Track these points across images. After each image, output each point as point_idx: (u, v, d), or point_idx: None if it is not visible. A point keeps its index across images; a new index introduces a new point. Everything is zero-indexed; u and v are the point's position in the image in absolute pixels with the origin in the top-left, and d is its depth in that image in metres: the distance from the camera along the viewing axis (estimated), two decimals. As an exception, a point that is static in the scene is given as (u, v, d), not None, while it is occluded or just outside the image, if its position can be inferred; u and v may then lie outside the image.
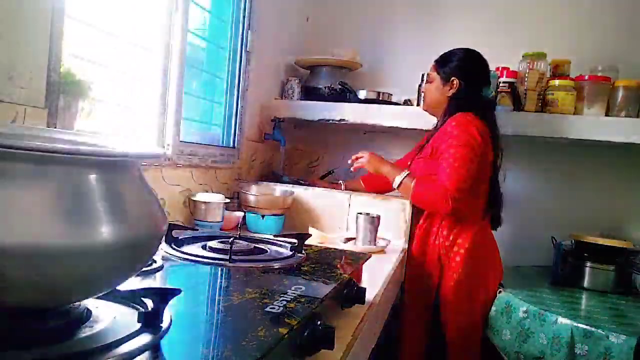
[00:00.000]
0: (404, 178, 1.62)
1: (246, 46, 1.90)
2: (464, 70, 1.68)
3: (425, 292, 1.68)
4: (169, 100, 1.46)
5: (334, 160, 2.38)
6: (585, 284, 1.77)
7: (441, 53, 1.77)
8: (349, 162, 1.78)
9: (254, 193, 1.66)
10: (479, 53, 1.71)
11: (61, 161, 0.45)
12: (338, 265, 1.01)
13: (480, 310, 1.64)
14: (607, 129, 1.86)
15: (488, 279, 1.66)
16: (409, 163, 1.79)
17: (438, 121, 1.76)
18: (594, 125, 1.88)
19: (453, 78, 1.68)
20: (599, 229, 2.06)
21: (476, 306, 1.63)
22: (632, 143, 1.84)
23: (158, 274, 0.79)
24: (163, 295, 0.54)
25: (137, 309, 0.56)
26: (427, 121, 1.98)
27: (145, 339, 0.49)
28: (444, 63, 1.71)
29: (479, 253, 1.63)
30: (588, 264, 1.77)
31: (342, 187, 1.96)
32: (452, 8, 2.36)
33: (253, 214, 1.64)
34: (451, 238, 1.63)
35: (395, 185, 1.64)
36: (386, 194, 1.85)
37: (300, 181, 2.00)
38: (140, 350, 0.47)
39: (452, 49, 1.74)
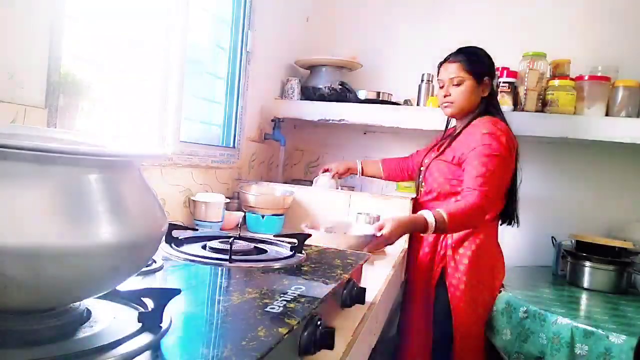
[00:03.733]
0: (434, 224, 1.43)
1: (246, 46, 1.90)
2: (491, 69, 1.64)
3: (426, 293, 1.68)
4: (169, 100, 1.46)
5: (333, 160, 2.38)
6: (585, 284, 1.77)
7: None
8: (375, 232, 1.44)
9: (254, 193, 1.66)
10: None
11: (61, 161, 0.45)
12: (338, 265, 1.01)
13: (485, 309, 1.63)
14: (607, 129, 1.86)
15: (494, 281, 1.64)
16: (425, 161, 1.73)
17: (458, 123, 1.71)
18: (594, 125, 1.88)
19: (486, 77, 1.61)
20: (599, 229, 2.06)
21: (481, 307, 1.63)
22: (632, 143, 1.84)
23: (158, 274, 0.79)
24: (163, 295, 0.54)
25: (137, 309, 0.56)
26: (427, 121, 1.99)
27: (145, 339, 0.49)
28: (473, 62, 1.60)
29: (486, 256, 1.61)
30: (588, 264, 1.77)
31: (359, 167, 1.94)
32: (452, 8, 2.36)
33: (253, 214, 1.64)
34: (459, 240, 1.61)
35: (430, 234, 1.51)
36: (388, 193, 1.85)
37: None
38: (140, 350, 0.47)
39: (467, 47, 1.66)
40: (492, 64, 1.65)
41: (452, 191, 1.61)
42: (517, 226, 1.71)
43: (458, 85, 1.60)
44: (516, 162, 1.63)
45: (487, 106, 1.63)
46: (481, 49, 1.66)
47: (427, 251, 1.67)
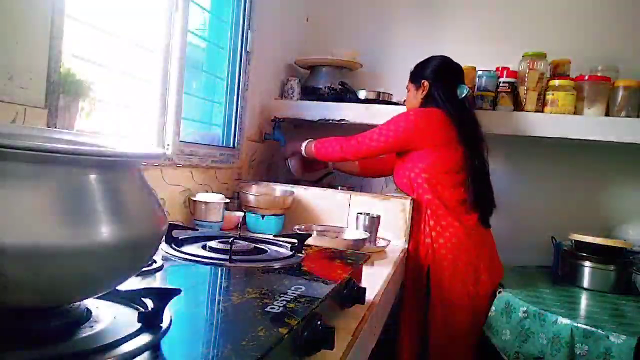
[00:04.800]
0: (307, 144, 1.88)
1: (246, 46, 1.90)
2: (432, 73, 1.77)
3: (418, 290, 1.70)
4: (169, 100, 1.46)
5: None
6: (585, 284, 1.77)
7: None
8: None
9: (254, 193, 1.66)
10: (449, 58, 1.80)
11: (61, 161, 0.45)
12: (338, 265, 1.01)
13: (470, 305, 1.64)
14: (607, 129, 1.86)
15: (479, 273, 1.66)
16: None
17: None
18: (594, 125, 1.88)
19: (423, 80, 1.77)
20: (599, 229, 2.06)
21: (464, 302, 1.64)
22: (631, 143, 1.84)
23: (158, 274, 0.79)
24: (163, 295, 0.54)
25: (137, 309, 0.56)
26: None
27: (145, 339, 0.49)
28: (415, 72, 1.83)
29: (467, 249, 1.65)
30: (588, 264, 1.77)
31: (331, 166, 2.07)
32: (452, 8, 2.36)
33: (253, 214, 1.64)
34: (434, 235, 1.67)
35: (303, 152, 1.90)
36: (386, 193, 1.86)
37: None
38: (140, 350, 0.47)
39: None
40: (436, 69, 1.77)
41: (406, 180, 1.75)
42: (487, 224, 1.75)
43: (408, 91, 1.87)
44: (471, 154, 1.70)
45: (429, 103, 1.76)
46: (431, 58, 1.80)
47: (412, 249, 1.70)
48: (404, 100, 2.20)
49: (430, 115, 1.71)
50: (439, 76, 1.76)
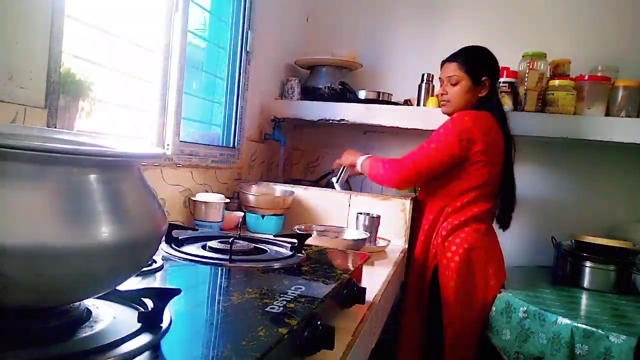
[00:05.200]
0: (364, 160, 1.72)
1: (246, 46, 1.90)
2: (491, 69, 1.63)
3: (420, 292, 1.69)
4: (169, 100, 1.46)
5: (333, 161, 2.38)
6: (585, 284, 1.77)
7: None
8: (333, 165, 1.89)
9: (254, 193, 1.66)
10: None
11: (61, 161, 0.45)
12: (338, 265, 1.01)
13: (479, 309, 1.63)
14: (607, 129, 1.86)
15: (488, 279, 1.63)
16: None
17: None
18: (594, 125, 1.88)
19: (485, 78, 1.61)
20: (599, 229, 2.06)
21: (475, 306, 1.63)
22: (631, 143, 1.84)
23: (158, 274, 0.79)
24: (163, 295, 0.54)
25: (137, 309, 0.56)
26: (427, 121, 1.99)
27: (145, 339, 0.49)
28: (471, 62, 1.61)
29: (478, 254, 1.61)
30: (588, 264, 1.77)
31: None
32: (452, 8, 2.36)
33: (253, 214, 1.64)
34: (450, 238, 1.62)
35: (358, 167, 1.74)
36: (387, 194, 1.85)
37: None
38: (140, 350, 0.47)
39: (468, 46, 1.66)
40: (494, 64, 1.65)
41: (433, 185, 1.66)
42: (503, 230, 1.70)
43: (455, 84, 1.63)
44: (505, 162, 1.62)
45: (485, 105, 1.62)
46: (483, 49, 1.66)
47: (420, 249, 1.69)
48: (405, 101, 2.20)
49: (486, 124, 1.56)
50: (496, 75, 1.64)
